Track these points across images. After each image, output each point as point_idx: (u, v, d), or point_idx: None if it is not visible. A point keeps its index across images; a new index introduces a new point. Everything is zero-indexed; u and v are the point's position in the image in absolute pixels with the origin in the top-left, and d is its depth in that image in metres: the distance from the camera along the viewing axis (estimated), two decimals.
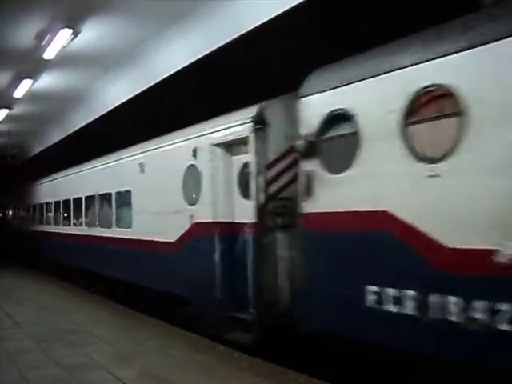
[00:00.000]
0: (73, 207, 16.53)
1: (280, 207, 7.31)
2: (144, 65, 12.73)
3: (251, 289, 7.50)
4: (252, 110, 7.65)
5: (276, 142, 7.44)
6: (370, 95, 5.56)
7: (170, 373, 6.69)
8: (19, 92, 15.00)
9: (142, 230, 11.00)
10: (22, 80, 14.04)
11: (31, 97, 15.87)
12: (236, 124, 7.94)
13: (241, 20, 9.42)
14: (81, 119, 18.47)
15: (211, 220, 8.47)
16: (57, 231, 18.56)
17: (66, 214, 17.55)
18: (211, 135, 8.61)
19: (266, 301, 7.29)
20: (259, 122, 7.44)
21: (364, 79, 5.63)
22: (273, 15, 8.74)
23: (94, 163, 14.49)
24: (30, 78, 13.94)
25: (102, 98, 15.91)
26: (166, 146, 10.17)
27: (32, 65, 12.89)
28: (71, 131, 19.93)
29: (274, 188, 7.38)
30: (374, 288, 5.35)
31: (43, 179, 20.59)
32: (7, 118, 18.78)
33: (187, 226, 9.12)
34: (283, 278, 7.27)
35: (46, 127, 21.68)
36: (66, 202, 17.13)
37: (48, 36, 10.77)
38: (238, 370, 6.79)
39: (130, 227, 11.68)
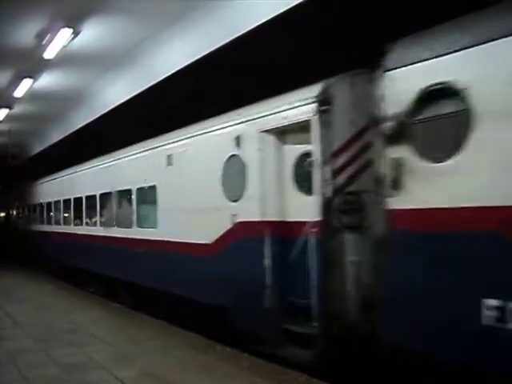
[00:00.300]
0: (85, 206, 15.12)
1: (347, 203, 6.20)
2: (144, 64, 12.72)
3: (314, 298, 6.47)
4: (314, 89, 6.51)
5: (341, 127, 6.28)
6: (490, 64, 4.47)
7: (170, 372, 6.68)
8: (19, 91, 14.98)
9: (170, 230, 9.81)
10: (22, 79, 14.02)
11: (31, 96, 15.85)
12: (293, 106, 6.79)
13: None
14: (81, 119, 18.45)
15: (259, 219, 7.34)
16: (66, 232, 17.17)
17: (76, 214, 16.17)
18: (259, 120, 7.42)
19: (332, 312, 6.20)
20: (324, 103, 6.30)
21: (479, 44, 4.51)
22: None
23: (109, 158, 13.29)
24: (31, 77, 13.92)
25: (102, 97, 15.90)
26: (201, 134, 8.96)
27: (32, 64, 12.87)
28: (72, 130, 19.90)
29: (340, 181, 6.27)
30: (494, 302, 4.32)
31: (50, 177, 19.55)
32: (7, 118, 18.76)
33: (228, 225, 7.95)
34: (351, 285, 6.15)
35: (47, 127, 21.66)
36: (78, 200, 15.65)
37: (48, 35, 10.75)
38: (238, 370, 6.78)
39: (154, 227, 10.45)
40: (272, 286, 7.12)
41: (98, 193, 13.89)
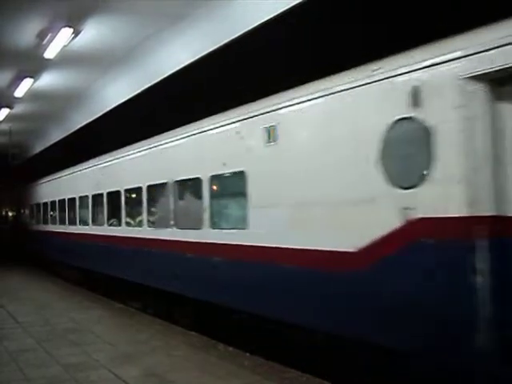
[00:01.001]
0: (124, 202, 12.09)
1: None
2: (145, 64, 12.71)
3: None
4: None
5: None
6: None
7: (171, 372, 6.69)
8: (20, 91, 14.98)
9: (272, 232, 7.01)
10: (22, 79, 14.03)
11: (32, 96, 15.86)
12: None
13: None
14: (82, 118, 18.46)
15: (466, 213, 4.79)
16: (95, 233, 14.13)
17: (112, 212, 13.03)
18: (462, 61, 4.86)
19: None
20: None
21: None
22: None
23: (161, 139, 10.50)
24: (31, 77, 13.93)
25: (102, 96, 15.90)
26: (338, 92, 6.14)
27: (33, 64, 12.88)
28: (72, 130, 19.91)
29: None
30: None
31: (72, 169, 16.64)
32: (8, 118, 18.78)
33: (393, 223, 5.38)
34: None
35: (47, 126, 21.68)
36: (114, 195, 12.57)
37: (49, 35, 10.75)
38: (239, 369, 6.79)
39: (242, 227, 7.62)
40: (489, 315, 4.63)
41: (144, 185, 10.88)
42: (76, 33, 10.75)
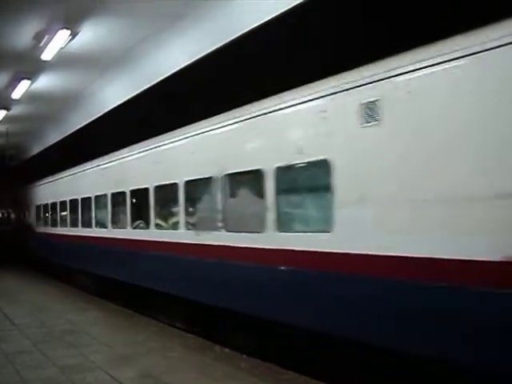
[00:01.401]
0: (153, 200, 10.27)
1: None
2: (143, 65, 12.72)
3: None
4: None
5: None
6: None
7: (167, 373, 6.68)
8: (17, 93, 14.96)
9: (371, 236, 5.50)
10: (19, 81, 14.01)
11: (29, 98, 15.84)
12: None
13: None
14: (79, 120, 18.45)
15: None
16: (111, 236, 12.44)
17: (136, 212, 11.31)
18: None
19: None
20: None
21: None
22: None
23: (201, 127, 8.90)
24: (28, 78, 13.91)
25: (100, 98, 15.90)
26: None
27: (30, 66, 12.87)
28: (69, 132, 19.90)
29: None
30: None
31: (79, 168, 14.99)
32: (5, 119, 18.76)
33: None
34: None
35: (45, 128, 21.66)
36: (138, 193, 11.01)
37: (46, 37, 10.74)
38: (236, 370, 6.79)
39: (324, 230, 6.11)
40: None
41: (181, 181, 9.23)
42: (73, 34, 10.75)
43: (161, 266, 9.94)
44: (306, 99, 6.50)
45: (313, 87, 6.48)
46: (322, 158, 6.13)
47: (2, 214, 29.92)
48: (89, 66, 13.44)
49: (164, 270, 9.84)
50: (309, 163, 6.42)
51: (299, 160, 6.54)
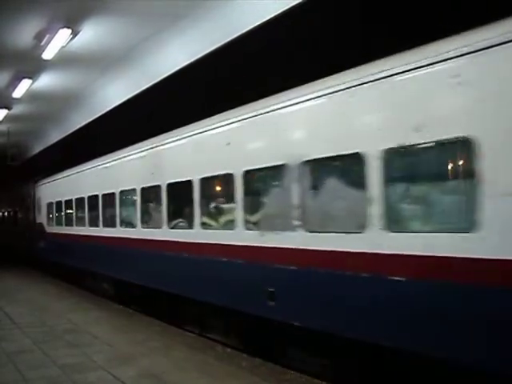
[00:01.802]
0: (199, 195, 8.65)
1: None
2: (143, 64, 12.71)
3: None
4: None
5: None
6: None
7: (169, 373, 6.69)
8: (18, 92, 14.98)
9: None
10: (21, 80, 14.03)
11: (30, 97, 15.86)
12: None
13: None
14: (80, 119, 18.46)
15: None
16: (141, 238, 10.76)
17: (173, 209, 9.71)
18: None
19: None
20: None
21: None
22: None
23: (268, 103, 7.24)
24: (29, 77, 13.93)
25: (101, 97, 15.90)
26: None
27: (31, 65, 12.89)
28: (70, 131, 19.90)
29: None
30: None
31: (100, 160, 13.49)
32: (6, 118, 18.78)
33: None
34: None
35: (46, 127, 21.68)
36: (179, 186, 9.29)
37: (47, 36, 10.76)
38: (237, 370, 6.79)
39: (465, 229, 4.65)
40: None
41: (238, 171, 7.64)
42: (74, 34, 10.76)
43: (211, 274, 8.22)
44: (430, 60, 5.03)
45: (443, 45, 5.02)
46: (458, 135, 4.72)
47: (8, 212, 27.86)
48: (90, 65, 13.44)
49: (215, 278, 8.12)
50: (432, 144, 4.98)
51: (415, 140, 5.10)
